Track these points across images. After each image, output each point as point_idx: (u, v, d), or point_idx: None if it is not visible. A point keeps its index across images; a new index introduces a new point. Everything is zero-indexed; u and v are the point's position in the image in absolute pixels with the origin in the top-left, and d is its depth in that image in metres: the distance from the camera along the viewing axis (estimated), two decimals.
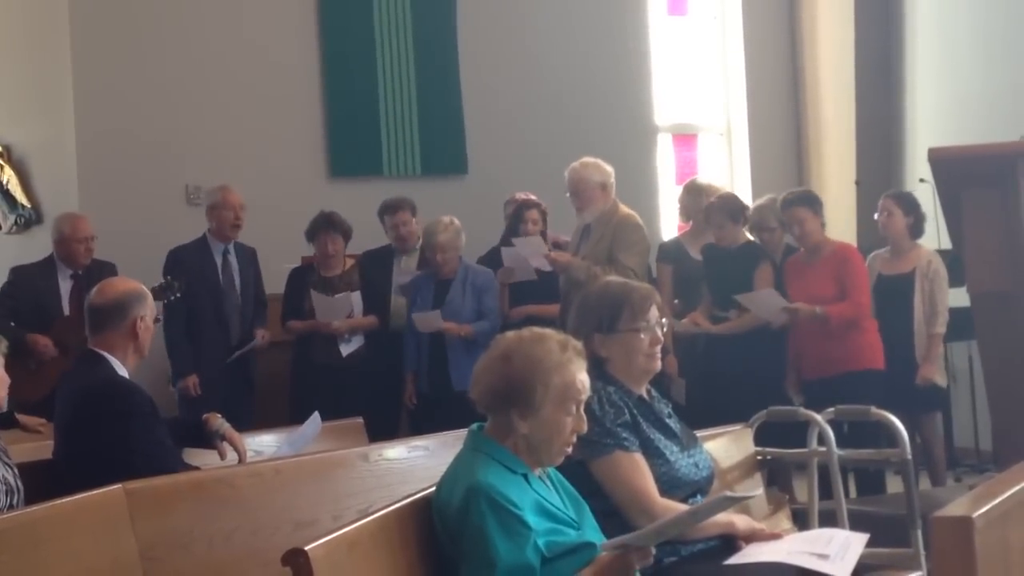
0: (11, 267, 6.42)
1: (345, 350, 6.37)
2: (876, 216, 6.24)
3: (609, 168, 6.02)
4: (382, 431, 5.26)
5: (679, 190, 7.49)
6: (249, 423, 5.43)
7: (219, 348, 6.25)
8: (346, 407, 5.25)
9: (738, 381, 5.73)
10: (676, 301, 6.40)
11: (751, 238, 6.28)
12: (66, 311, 6.19)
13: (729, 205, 6.19)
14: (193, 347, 6.24)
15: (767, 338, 5.97)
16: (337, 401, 5.69)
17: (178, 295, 5.75)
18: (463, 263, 6.35)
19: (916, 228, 6.13)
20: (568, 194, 6.07)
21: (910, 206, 6.13)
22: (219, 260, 6.36)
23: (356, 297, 6.39)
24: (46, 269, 6.31)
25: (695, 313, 6.11)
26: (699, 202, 6.61)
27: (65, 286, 6.26)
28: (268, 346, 6.47)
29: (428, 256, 6.35)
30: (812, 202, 5.95)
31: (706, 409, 5.41)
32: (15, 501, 3.25)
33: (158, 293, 5.08)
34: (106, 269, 6.19)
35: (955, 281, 5.94)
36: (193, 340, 6.24)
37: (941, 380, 6.18)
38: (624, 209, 6.03)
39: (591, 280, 5.19)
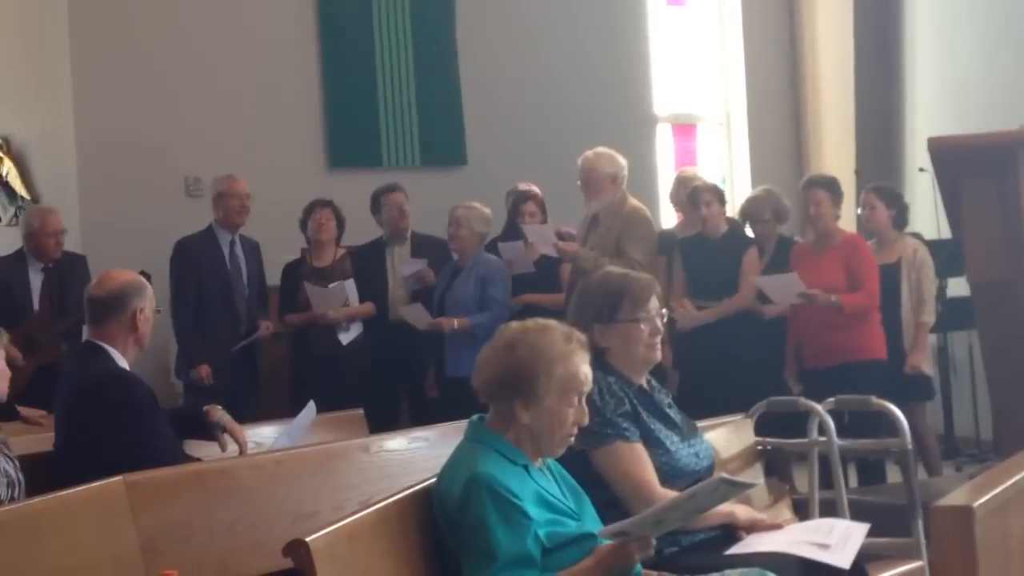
0: None
1: (344, 339, 6.36)
2: (859, 210, 6.26)
3: (622, 160, 5.99)
4: (383, 422, 5.28)
5: None
6: (253, 415, 5.42)
7: (228, 338, 6.23)
8: (347, 398, 5.25)
9: (732, 370, 5.73)
10: None
11: (739, 227, 6.35)
12: (36, 304, 6.12)
13: (713, 187, 6.38)
14: (202, 337, 6.22)
15: (762, 327, 5.97)
16: (338, 392, 5.70)
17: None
18: (481, 252, 6.32)
19: (899, 219, 6.15)
20: (579, 182, 6.06)
21: (892, 198, 6.14)
22: (226, 250, 6.32)
23: (350, 284, 6.38)
24: (16, 262, 6.21)
25: (681, 299, 6.10)
26: (683, 192, 6.72)
27: (36, 279, 6.16)
28: (271, 337, 6.46)
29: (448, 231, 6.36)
30: (833, 189, 5.97)
31: (700, 398, 5.40)
32: (16, 493, 3.25)
33: None
34: (77, 262, 6.17)
35: (955, 270, 5.94)
36: (202, 330, 6.21)
37: (929, 369, 6.19)
38: (634, 202, 6.01)
39: (598, 270, 5.18)
